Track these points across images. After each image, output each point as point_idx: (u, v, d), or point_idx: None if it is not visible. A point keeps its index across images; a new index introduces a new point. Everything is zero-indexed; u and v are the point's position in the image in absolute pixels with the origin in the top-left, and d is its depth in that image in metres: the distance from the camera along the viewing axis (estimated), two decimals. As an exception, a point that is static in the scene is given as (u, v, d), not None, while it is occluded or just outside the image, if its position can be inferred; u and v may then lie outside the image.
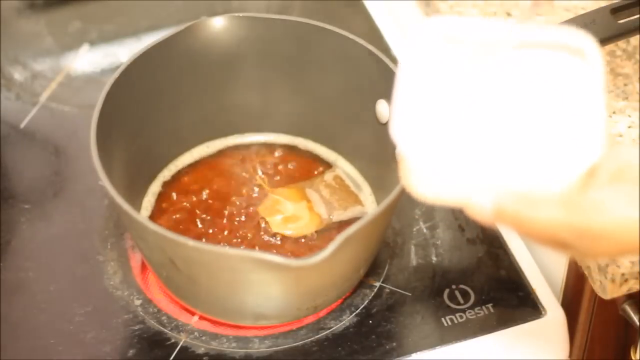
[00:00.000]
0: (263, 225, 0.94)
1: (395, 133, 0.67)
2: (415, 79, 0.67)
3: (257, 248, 0.92)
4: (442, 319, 0.90)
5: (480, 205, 0.68)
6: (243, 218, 0.95)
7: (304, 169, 0.99)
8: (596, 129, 0.65)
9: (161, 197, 0.97)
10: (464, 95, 0.66)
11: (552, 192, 0.66)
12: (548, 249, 0.69)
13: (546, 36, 0.67)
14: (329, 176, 0.99)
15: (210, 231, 0.94)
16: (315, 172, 0.99)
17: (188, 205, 0.96)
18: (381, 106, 0.93)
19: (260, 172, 0.99)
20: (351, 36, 0.93)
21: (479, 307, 0.91)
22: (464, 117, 0.66)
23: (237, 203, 0.96)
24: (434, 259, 0.95)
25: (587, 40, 0.66)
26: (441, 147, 0.67)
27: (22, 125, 1.07)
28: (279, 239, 0.93)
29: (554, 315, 0.91)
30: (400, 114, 0.67)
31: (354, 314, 0.90)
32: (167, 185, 0.98)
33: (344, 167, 1.00)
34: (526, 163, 0.66)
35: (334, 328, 0.90)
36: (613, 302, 0.90)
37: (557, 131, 0.66)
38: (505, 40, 0.67)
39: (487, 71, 0.67)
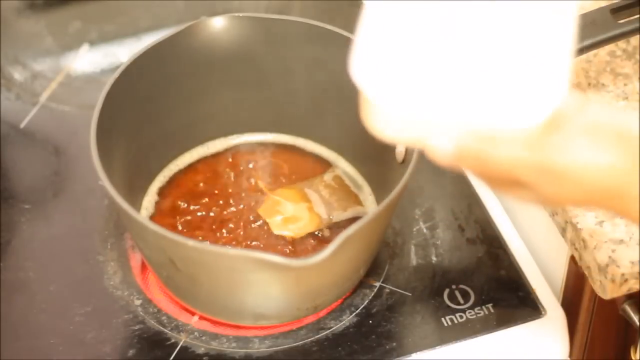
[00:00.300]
0: (263, 225, 0.94)
1: (356, 71, 0.67)
2: (379, 17, 0.66)
3: (257, 248, 0.92)
4: (442, 319, 0.90)
5: (441, 146, 0.67)
6: (243, 218, 0.95)
7: (304, 169, 0.99)
8: (562, 73, 0.65)
9: (161, 197, 0.97)
10: (427, 34, 0.65)
11: (514, 134, 0.66)
12: (509, 195, 0.69)
13: None
14: (328, 176, 0.99)
15: (210, 231, 0.94)
16: (315, 173, 0.99)
17: (188, 205, 0.96)
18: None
19: (260, 173, 0.99)
20: (351, 36, 0.93)
21: (479, 307, 0.91)
22: (426, 56, 0.65)
23: (237, 203, 0.96)
24: (434, 259, 0.95)
25: None
26: (402, 85, 0.66)
27: (22, 125, 1.07)
28: (279, 239, 0.93)
29: (554, 315, 0.91)
30: (361, 52, 0.67)
31: (354, 314, 0.90)
32: (167, 185, 0.98)
33: (344, 167, 1.00)
34: (489, 104, 0.65)
35: (334, 328, 0.90)
36: (613, 302, 0.90)
37: (522, 72, 0.65)
38: None
39: (452, 9, 0.66)
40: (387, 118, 0.67)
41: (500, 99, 0.65)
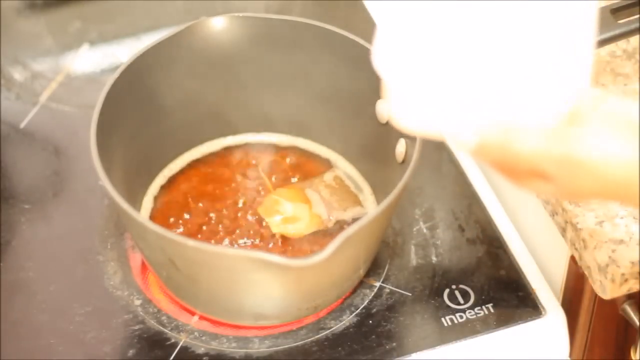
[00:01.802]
0: (263, 225, 0.94)
1: (379, 62, 0.66)
2: (402, 7, 0.67)
3: (257, 248, 0.92)
4: (442, 319, 0.90)
5: (464, 138, 0.68)
6: (243, 218, 0.95)
7: (304, 169, 0.99)
8: (582, 67, 0.65)
9: (161, 196, 0.97)
10: (452, 25, 0.66)
11: (536, 126, 0.66)
12: (528, 189, 0.69)
13: None
14: (328, 176, 0.99)
15: (210, 231, 0.94)
16: (315, 173, 0.99)
17: (188, 205, 0.96)
18: (381, 106, 0.93)
19: (260, 173, 0.99)
20: (351, 36, 0.93)
21: (479, 307, 0.91)
22: (450, 47, 0.66)
23: (237, 203, 0.96)
24: (434, 259, 0.95)
25: None
26: (426, 77, 0.66)
27: (22, 125, 1.07)
28: (278, 239, 0.93)
29: (554, 315, 0.91)
30: (384, 42, 0.67)
31: (354, 314, 0.90)
32: (167, 185, 0.98)
33: (344, 167, 1.00)
34: (512, 97, 0.66)
35: (334, 328, 0.90)
36: (613, 302, 0.90)
37: (544, 66, 0.65)
38: None
39: (476, 3, 0.66)
40: (411, 110, 0.67)
41: (523, 93, 0.66)
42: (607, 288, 0.84)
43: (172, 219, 0.95)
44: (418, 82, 0.66)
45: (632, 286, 0.85)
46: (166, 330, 0.89)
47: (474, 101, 0.66)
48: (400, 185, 0.83)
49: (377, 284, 0.93)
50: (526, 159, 0.67)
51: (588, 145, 0.65)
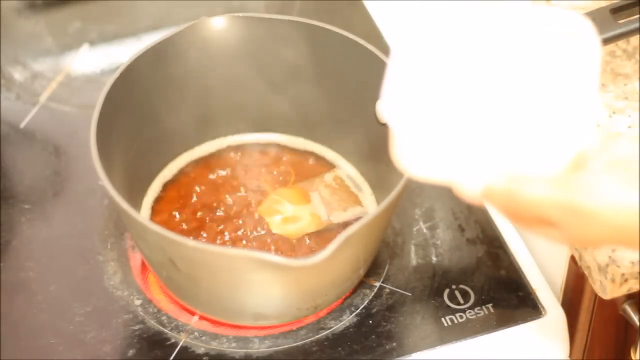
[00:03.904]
0: (263, 225, 0.94)
1: (386, 110, 0.67)
2: (409, 58, 0.67)
3: (257, 248, 0.92)
4: (442, 319, 0.90)
5: (470, 185, 0.68)
6: (243, 218, 0.95)
7: (305, 169, 0.99)
8: (588, 113, 0.65)
9: (161, 197, 0.97)
10: (457, 76, 0.66)
11: (542, 174, 0.66)
12: (536, 234, 0.69)
13: (543, 17, 0.66)
14: (328, 177, 0.99)
15: (210, 231, 0.94)
16: (315, 173, 0.99)
17: (188, 205, 0.96)
18: (381, 106, 0.93)
19: (260, 173, 0.99)
20: (351, 36, 0.93)
21: (479, 307, 0.91)
22: (456, 97, 0.66)
23: (237, 203, 0.96)
24: (434, 259, 0.95)
25: (584, 24, 0.66)
26: (432, 126, 0.67)
27: (22, 125, 1.07)
28: (278, 239, 0.93)
29: (554, 315, 0.91)
30: (392, 91, 0.67)
31: (354, 314, 0.90)
32: (167, 185, 0.98)
33: (344, 167, 1.00)
34: (517, 145, 0.66)
35: (334, 328, 0.90)
36: (613, 302, 0.90)
37: (548, 114, 0.66)
38: (500, 20, 0.67)
39: (481, 52, 0.66)
40: (417, 157, 0.68)
41: (528, 142, 0.66)
42: (607, 288, 0.84)
43: (172, 219, 0.95)
44: (425, 130, 0.67)
45: (632, 286, 0.85)
46: (166, 330, 0.89)
47: (480, 150, 0.67)
48: (400, 185, 0.83)
49: (377, 284, 0.93)
50: (532, 206, 0.66)
51: (594, 193, 0.64)
